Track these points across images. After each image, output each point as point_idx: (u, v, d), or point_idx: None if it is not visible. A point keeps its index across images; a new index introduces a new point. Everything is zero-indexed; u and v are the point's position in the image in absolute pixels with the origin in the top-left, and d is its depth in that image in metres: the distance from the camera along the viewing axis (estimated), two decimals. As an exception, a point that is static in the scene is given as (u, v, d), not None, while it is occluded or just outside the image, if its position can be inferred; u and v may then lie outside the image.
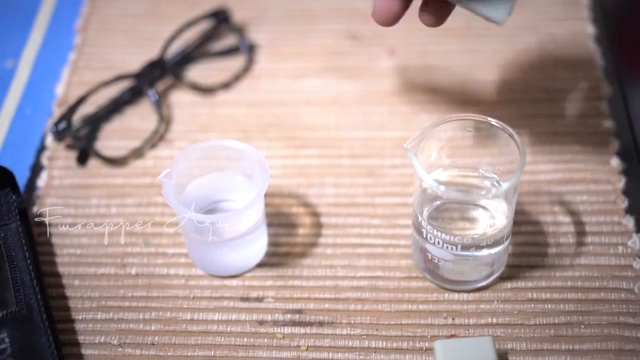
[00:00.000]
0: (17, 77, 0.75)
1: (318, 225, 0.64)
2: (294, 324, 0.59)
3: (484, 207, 0.60)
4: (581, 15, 0.77)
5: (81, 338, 0.59)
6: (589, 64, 0.73)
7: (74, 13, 0.80)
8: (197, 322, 0.59)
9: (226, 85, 0.74)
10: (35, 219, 0.65)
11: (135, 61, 0.75)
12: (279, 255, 0.63)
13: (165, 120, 0.71)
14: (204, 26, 0.77)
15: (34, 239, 0.63)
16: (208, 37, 0.77)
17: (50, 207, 0.66)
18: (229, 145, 0.60)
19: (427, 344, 0.57)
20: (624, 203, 0.64)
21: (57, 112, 0.72)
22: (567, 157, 0.67)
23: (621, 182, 0.65)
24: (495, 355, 0.54)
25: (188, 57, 0.76)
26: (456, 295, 0.60)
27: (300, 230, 0.64)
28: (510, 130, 0.56)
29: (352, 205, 0.65)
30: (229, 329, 0.59)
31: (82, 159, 0.69)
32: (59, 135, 0.69)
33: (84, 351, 0.58)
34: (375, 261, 0.62)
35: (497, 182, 0.59)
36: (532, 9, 0.78)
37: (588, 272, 0.60)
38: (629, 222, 0.63)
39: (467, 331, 0.58)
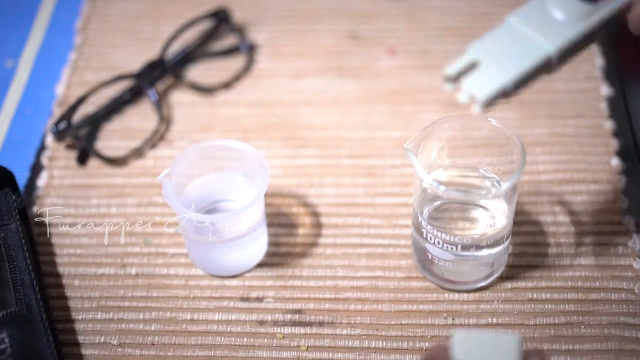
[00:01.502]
0: (17, 77, 0.75)
1: (318, 225, 0.64)
2: (294, 324, 0.59)
3: (484, 207, 0.60)
4: (581, 15, 0.77)
5: (81, 338, 0.59)
6: (589, 64, 0.73)
7: (74, 13, 0.80)
8: (197, 322, 0.59)
9: (226, 85, 0.74)
10: (36, 219, 0.65)
11: (136, 61, 0.75)
12: (279, 255, 0.63)
13: (165, 120, 0.71)
14: (204, 26, 0.77)
15: (34, 239, 0.63)
16: (208, 37, 0.77)
17: (50, 207, 0.66)
18: (229, 145, 0.60)
19: (427, 344, 0.57)
20: (624, 203, 0.64)
21: (57, 112, 0.72)
22: (567, 157, 0.67)
23: (621, 182, 0.65)
24: (518, 356, 0.46)
25: (188, 57, 0.76)
26: (456, 296, 0.60)
27: (300, 230, 0.64)
28: (510, 130, 0.56)
29: (352, 205, 0.65)
30: (229, 329, 0.59)
31: (82, 159, 0.69)
32: (59, 135, 0.69)
33: (84, 351, 0.58)
34: (375, 261, 0.62)
35: (497, 182, 0.59)
36: (532, 8, 0.78)
37: (588, 272, 0.60)
38: (629, 222, 0.63)
39: (467, 331, 0.58)
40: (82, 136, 0.70)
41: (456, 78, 0.54)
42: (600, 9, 0.53)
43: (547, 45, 0.53)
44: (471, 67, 0.54)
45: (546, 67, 0.53)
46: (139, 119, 0.72)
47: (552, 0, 0.55)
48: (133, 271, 0.62)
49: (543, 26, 0.54)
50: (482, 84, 0.52)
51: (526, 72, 0.52)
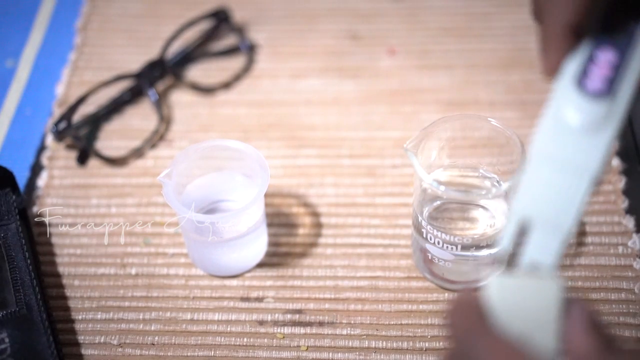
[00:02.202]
0: (17, 77, 0.75)
1: (318, 225, 0.64)
2: (294, 324, 0.59)
3: (484, 207, 0.60)
4: (581, 15, 0.77)
5: (81, 338, 0.59)
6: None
7: (74, 13, 0.80)
8: (197, 322, 0.59)
9: (226, 85, 0.74)
10: (36, 219, 0.65)
11: (136, 61, 0.75)
12: (279, 255, 0.63)
13: (165, 120, 0.71)
14: (204, 26, 0.77)
15: (34, 239, 0.63)
16: (208, 37, 0.77)
17: (50, 207, 0.66)
18: (229, 145, 0.60)
19: (427, 344, 0.57)
20: (624, 203, 0.64)
21: (57, 112, 0.72)
22: (567, 157, 0.67)
23: (621, 182, 0.65)
24: (559, 305, 0.41)
25: (188, 57, 0.76)
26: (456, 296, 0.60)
27: (300, 230, 0.64)
28: (510, 130, 0.56)
29: (352, 205, 0.65)
30: (229, 329, 0.59)
31: (82, 159, 0.69)
32: (59, 135, 0.69)
33: (83, 351, 0.58)
34: (375, 261, 0.62)
35: (497, 182, 0.59)
36: (532, 8, 0.78)
37: (588, 272, 0.60)
38: (629, 222, 0.63)
39: (467, 331, 0.58)
40: (82, 136, 0.70)
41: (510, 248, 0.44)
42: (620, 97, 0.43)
43: (591, 166, 0.43)
44: (522, 230, 0.43)
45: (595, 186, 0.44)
46: (139, 119, 0.72)
47: (565, 108, 0.43)
48: (133, 271, 0.62)
49: (572, 145, 0.43)
50: (543, 246, 0.42)
51: (581, 209, 0.43)
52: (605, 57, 0.42)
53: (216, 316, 0.60)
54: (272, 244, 0.63)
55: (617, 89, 0.42)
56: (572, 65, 0.43)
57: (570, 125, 0.43)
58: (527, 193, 0.43)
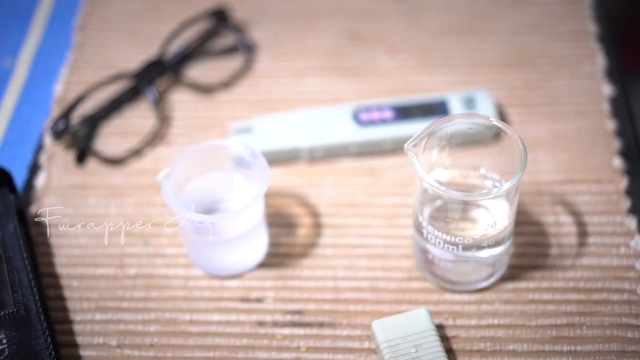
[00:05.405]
0: (15, 76, 0.75)
1: (318, 226, 0.64)
2: (293, 324, 0.59)
3: (485, 207, 0.59)
4: (583, 13, 0.77)
5: (79, 339, 0.58)
6: (591, 63, 0.73)
7: (73, 11, 0.80)
8: (196, 323, 0.59)
9: (226, 85, 0.74)
10: (35, 219, 0.64)
11: (135, 60, 0.74)
12: (279, 256, 0.62)
13: (164, 120, 0.71)
14: (204, 25, 0.77)
15: (32, 239, 0.63)
16: (208, 36, 0.77)
17: (48, 207, 0.65)
18: (228, 145, 0.60)
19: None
20: (626, 203, 0.64)
21: (55, 111, 0.72)
22: (568, 157, 0.67)
23: (623, 182, 0.65)
24: (431, 324, 0.55)
25: (187, 56, 0.75)
26: (457, 296, 0.59)
27: (300, 231, 0.64)
28: (512, 129, 0.56)
29: (352, 205, 0.65)
30: (228, 330, 0.59)
31: (81, 159, 0.69)
32: (58, 135, 0.68)
33: (82, 352, 0.58)
34: (375, 262, 0.62)
35: (499, 182, 0.59)
36: (533, 7, 0.78)
37: (590, 273, 0.60)
38: (632, 222, 0.62)
39: (468, 332, 0.58)
40: (80, 136, 0.70)
41: None
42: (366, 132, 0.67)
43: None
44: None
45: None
46: (138, 119, 0.72)
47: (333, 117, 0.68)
48: (132, 272, 0.62)
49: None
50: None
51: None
52: None
53: (215, 317, 0.59)
54: (272, 244, 0.63)
55: None
56: None
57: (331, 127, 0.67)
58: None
